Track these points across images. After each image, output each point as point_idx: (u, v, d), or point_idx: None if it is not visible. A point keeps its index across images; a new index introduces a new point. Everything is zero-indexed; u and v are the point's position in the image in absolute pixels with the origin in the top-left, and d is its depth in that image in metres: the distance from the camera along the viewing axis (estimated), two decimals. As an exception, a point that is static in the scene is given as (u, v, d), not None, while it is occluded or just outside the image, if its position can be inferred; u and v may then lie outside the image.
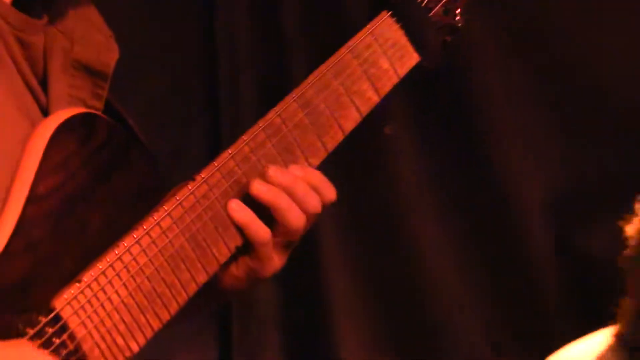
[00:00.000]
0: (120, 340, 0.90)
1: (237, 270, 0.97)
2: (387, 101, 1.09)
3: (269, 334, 2.48)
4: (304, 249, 1.28)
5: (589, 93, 2.35)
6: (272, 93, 2.46)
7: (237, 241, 0.95)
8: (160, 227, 0.91)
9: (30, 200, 0.75)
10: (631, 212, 1.62)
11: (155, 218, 0.91)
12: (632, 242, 1.65)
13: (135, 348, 0.90)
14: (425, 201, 2.43)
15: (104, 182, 0.92)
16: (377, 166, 2.40)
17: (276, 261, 0.96)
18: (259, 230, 0.93)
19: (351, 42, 1.02)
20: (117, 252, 0.89)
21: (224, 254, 0.95)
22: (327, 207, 0.96)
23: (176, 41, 2.58)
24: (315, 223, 1.02)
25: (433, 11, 1.04)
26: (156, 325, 0.92)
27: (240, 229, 0.94)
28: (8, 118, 0.88)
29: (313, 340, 2.51)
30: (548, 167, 2.36)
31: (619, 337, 1.63)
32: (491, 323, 2.30)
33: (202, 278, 0.93)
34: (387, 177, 2.42)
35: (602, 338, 1.64)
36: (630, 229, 1.66)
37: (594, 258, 2.20)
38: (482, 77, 2.38)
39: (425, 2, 1.04)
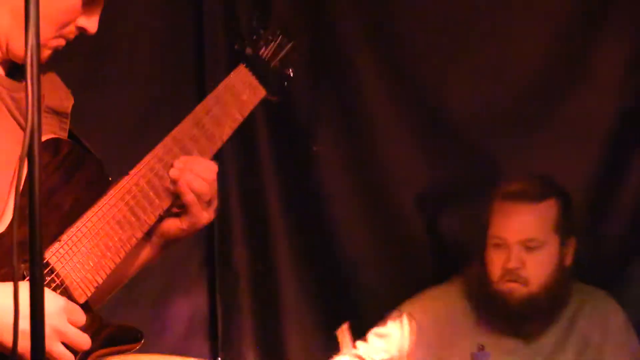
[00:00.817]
0: (89, 276, 1.41)
1: (182, 224, 1.47)
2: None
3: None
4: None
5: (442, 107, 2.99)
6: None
7: (159, 210, 1.45)
8: (109, 204, 1.43)
9: (23, 193, 1.05)
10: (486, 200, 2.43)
11: (105, 198, 1.43)
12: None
13: (99, 281, 1.40)
14: (344, 194, 3.04)
15: (70, 179, 1.46)
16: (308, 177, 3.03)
17: (205, 216, 1.46)
18: (186, 193, 1.43)
19: (225, 82, 1.60)
20: (82, 221, 1.40)
21: (151, 219, 1.45)
22: (213, 179, 1.47)
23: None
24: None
25: (272, 64, 1.64)
26: (111, 265, 1.43)
27: (169, 197, 1.45)
28: (9, 147, 1.37)
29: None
30: (420, 164, 2.97)
31: (466, 287, 2.44)
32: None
33: (139, 235, 1.44)
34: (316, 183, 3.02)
35: (451, 287, 2.45)
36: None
37: (456, 236, 2.86)
38: (364, 96, 3.03)
39: (268, 58, 1.63)
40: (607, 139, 2.73)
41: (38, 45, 1.00)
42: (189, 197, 1.48)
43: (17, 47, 1.45)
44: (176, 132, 1.55)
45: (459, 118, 2.94)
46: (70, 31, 1.53)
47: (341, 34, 2.96)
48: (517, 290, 2.38)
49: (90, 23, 1.56)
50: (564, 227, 2.43)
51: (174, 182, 1.49)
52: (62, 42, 1.54)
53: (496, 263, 2.39)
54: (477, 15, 2.92)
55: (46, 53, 1.52)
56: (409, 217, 2.99)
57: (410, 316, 2.46)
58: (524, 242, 2.37)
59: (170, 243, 1.60)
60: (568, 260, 2.42)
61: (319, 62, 2.93)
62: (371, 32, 3.04)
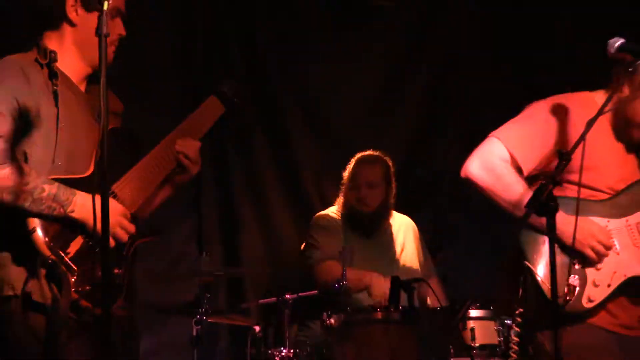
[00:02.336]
0: (135, 198, 2.45)
1: (183, 175, 2.54)
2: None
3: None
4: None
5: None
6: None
7: (171, 166, 2.50)
8: (145, 162, 2.48)
9: (102, 155, 2.03)
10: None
11: (143, 160, 2.47)
12: None
13: (141, 202, 2.46)
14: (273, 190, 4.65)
15: (123, 148, 2.47)
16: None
17: (194, 170, 2.53)
18: (183, 158, 2.51)
19: (204, 103, 2.65)
20: (131, 170, 2.45)
21: (167, 171, 2.50)
22: (197, 150, 2.53)
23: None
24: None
25: (228, 94, 2.66)
26: (148, 194, 2.48)
27: (175, 161, 2.50)
28: (89, 130, 2.43)
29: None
30: (319, 164, 4.66)
31: (343, 209, 3.98)
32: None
33: (161, 178, 2.52)
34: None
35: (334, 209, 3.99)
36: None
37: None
38: (288, 128, 4.69)
39: (228, 94, 2.69)
40: (414, 131, 4.63)
41: (105, 74, 1.98)
42: (185, 160, 2.63)
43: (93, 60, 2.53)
44: (178, 128, 2.68)
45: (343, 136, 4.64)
46: (113, 40, 2.59)
47: (277, 94, 4.63)
48: (364, 209, 4.09)
49: (120, 29, 2.63)
50: (388, 178, 4.16)
51: (178, 152, 2.63)
52: (113, 48, 2.61)
53: (354, 196, 4.12)
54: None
55: (110, 55, 2.53)
56: (310, 194, 4.69)
57: None
58: (368, 183, 4.09)
59: (179, 186, 2.78)
60: (391, 197, 4.07)
61: (262, 109, 4.61)
62: (295, 94, 4.71)
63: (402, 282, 3.60)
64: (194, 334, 3.81)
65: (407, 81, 4.88)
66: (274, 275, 4.46)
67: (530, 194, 2.68)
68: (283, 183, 4.74)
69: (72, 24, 2.61)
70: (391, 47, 4.80)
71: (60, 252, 2.51)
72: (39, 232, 2.47)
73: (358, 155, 4.26)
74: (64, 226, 2.50)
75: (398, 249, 4.25)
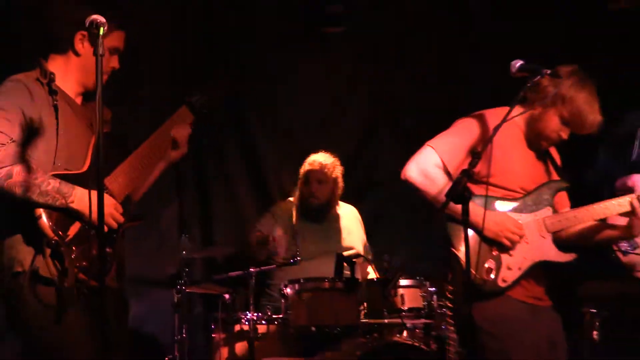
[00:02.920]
0: (123, 189, 2.78)
1: (176, 152, 2.86)
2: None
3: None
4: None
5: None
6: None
7: (167, 149, 2.86)
8: (131, 159, 2.79)
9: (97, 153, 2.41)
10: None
11: (127, 159, 2.79)
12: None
13: (129, 190, 2.79)
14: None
15: (115, 146, 2.78)
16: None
17: (185, 149, 2.86)
18: (178, 140, 2.86)
19: (178, 111, 2.91)
20: (116, 170, 2.77)
21: (162, 153, 2.85)
22: (188, 134, 2.89)
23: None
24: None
25: (196, 105, 2.96)
26: (135, 182, 2.80)
27: (169, 145, 2.84)
28: (83, 131, 2.76)
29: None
30: (280, 161, 5.14)
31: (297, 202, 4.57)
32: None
33: (158, 160, 2.87)
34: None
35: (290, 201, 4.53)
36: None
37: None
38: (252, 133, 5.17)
39: (195, 105, 2.92)
40: (357, 137, 5.23)
41: (100, 94, 2.37)
42: (180, 140, 2.96)
43: (89, 84, 2.85)
44: (155, 132, 2.99)
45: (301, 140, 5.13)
46: (107, 71, 2.86)
47: (246, 103, 5.04)
48: (314, 201, 4.62)
49: (115, 64, 2.93)
50: (336, 175, 4.67)
51: (174, 135, 2.96)
52: (106, 77, 2.89)
53: (307, 190, 4.62)
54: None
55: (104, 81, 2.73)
56: (271, 187, 5.16)
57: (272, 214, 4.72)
58: (318, 180, 4.60)
59: (172, 162, 3.07)
60: (337, 190, 4.62)
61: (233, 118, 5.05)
62: (261, 104, 5.13)
63: (345, 258, 4.11)
64: (175, 301, 4.27)
65: (351, 95, 5.41)
66: (241, 252, 4.70)
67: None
68: (249, 178, 5.24)
69: (77, 54, 2.91)
70: (339, 67, 5.31)
71: (62, 234, 2.77)
72: (44, 219, 2.73)
73: (311, 155, 4.80)
74: (64, 214, 2.78)
75: (344, 232, 4.79)
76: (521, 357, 3.15)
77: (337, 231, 4.82)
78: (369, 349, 3.94)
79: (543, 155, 3.36)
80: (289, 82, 5.26)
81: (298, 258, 4.23)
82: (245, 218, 5.19)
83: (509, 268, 3.12)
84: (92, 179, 2.80)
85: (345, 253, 4.32)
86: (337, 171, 4.75)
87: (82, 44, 2.88)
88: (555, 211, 3.28)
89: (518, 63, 3.03)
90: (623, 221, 3.33)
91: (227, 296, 4.36)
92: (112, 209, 2.88)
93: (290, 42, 5.27)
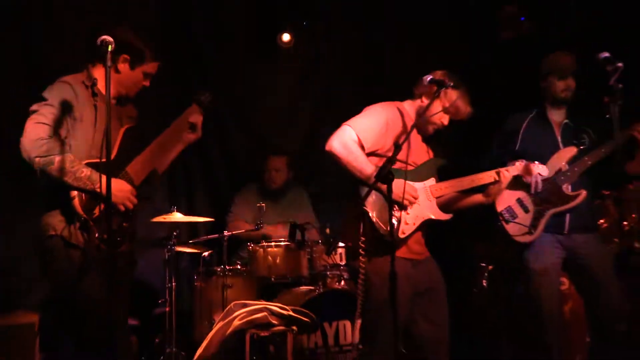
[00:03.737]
0: (140, 173, 3.12)
1: (192, 135, 3.19)
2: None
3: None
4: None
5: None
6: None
7: (185, 132, 3.20)
8: (150, 148, 3.14)
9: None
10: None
11: (147, 149, 3.15)
12: None
13: (147, 173, 3.12)
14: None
15: (136, 143, 3.15)
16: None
17: (199, 133, 3.21)
18: (194, 124, 3.21)
19: (190, 108, 3.23)
20: (136, 158, 3.10)
21: (180, 137, 3.21)
22: (201, 120, 3.20)
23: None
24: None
25: (204, 102, 3.22)
26: (152, 165, 3.14)
27: (187, 129, 3.17)
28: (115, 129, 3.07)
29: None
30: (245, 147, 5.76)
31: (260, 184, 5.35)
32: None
33: (175, 144, 3.24)
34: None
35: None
36: None
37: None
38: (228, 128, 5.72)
39: (204, 102, 3.20)
40: (307, 131, 5.77)
41: (109, 101, 2.74)
42: (197, 125, 3.18)
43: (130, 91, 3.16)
44: (173, 124, 3.23)
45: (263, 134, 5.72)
46: (139, 87, 3.20)
47: (221, 103, 5.35)
48: (273, 185, 5.23)
49: (146, 83, 3.22)
50: (289, 164, 5.28)
51: (193, 121, 3.18)
52: (136, 90, 3.21)
53: (268, 176, 5.22)
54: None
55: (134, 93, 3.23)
56: (245, 161, 5.68)
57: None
58: (275, 169, 5.21)
59: (190, 143, 3.28)
60: (291, 176, 5.30)
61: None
62: (232, 103, 5.59)
63: (297, 226, 4.70)
64: (166, 257, 4.77)
65: (302, 97, 5.98)
66: (216, 220, 5.27)
67: (372, 168, 3.31)
68: (225, 164, 5.82)
69: (117, 71, 3.19)
70: (293, 73, 5.90)
71: (90, 213, 3.04)
72: (77, 200, 3.01)
73: (270, 148, 5.53)
74: (92, 196, 3.02)
75: (295, 207, 5.46)
76: (385, 301, 3.21)
77: (290, 206, 5.48)
78: (315, 294, 4.43)
79: (427, 139, 3.65)
80: (254, 83, 5.78)
81: (261, 226, 4.82)
82: (221, 195, 5.74)
83: (407, 223, 3.39)
84: (116, 167, 3.11)
85: (297, 222, 4.84)
86: (289, 163, 5.43)
87: (123, 65, 3.21)
88: (438, 181, 3.57)
89: (429, 77, 3.46)
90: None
91: (206, 254, 4.93)
92: (129, 194, 3.13)
93: (256, 54, 5.74)
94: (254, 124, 5.90)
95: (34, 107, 3.05)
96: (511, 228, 3.97)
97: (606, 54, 3.43)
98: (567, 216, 3.92)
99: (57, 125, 3.01)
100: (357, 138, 3.39)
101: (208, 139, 5.50)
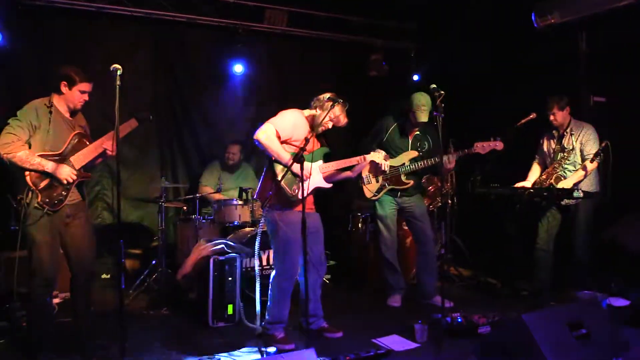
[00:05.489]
0: (80, 164, 3.72)
1: (106, 157, 3.80)
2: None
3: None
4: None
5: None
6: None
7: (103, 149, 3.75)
8: (88, 148, 3.69)
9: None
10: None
11: (86, 147, 3.73)
12: None
13: (81, 165, 3.66)
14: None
15: (80, 143, 3.71)
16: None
17: (113, 154, 3.70)
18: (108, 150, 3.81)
19: (125, 122, 3.75)
20: (78, 153, 3.65)
21: (100, 151, 3.74)
22: None
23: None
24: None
25: (140, 118, 3.80)
26: (87, 160, 3.68)
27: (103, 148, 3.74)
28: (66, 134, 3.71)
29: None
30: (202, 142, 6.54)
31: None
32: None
33: (98, 153, 3.69)
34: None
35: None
36: None
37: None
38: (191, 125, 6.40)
39: (140, 118, 3.76)
40: (253, 124, 5.93)
41: (118, 109, 3.83)
42: (108, 150, 3.64)
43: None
44: (111, 132, 3.54)
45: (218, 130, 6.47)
46: (82, 101, 3.66)
47: (189, 104, 6.20)
48: (230, 162, 5.90)
49: (86, 97, 3.65)
50: (242, 150, 6.07)
51: (105, 146, 3.57)
52: (80, 106, 3.65)
53: (227, 156, 5.80)
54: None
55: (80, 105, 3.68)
56: (209, 147, 6.40)
57: None
58: (232, 153, 5.86)
59: (105, 158, 3.76)
60: (241, 156, 5.94)
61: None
62: (197, 104, 6.38)
63: (245, 189, 5.61)
64: (158, 209, 5.51)
65: (246, 106, 6.75)
66: (191, 185, 6.28)
67: (286, 153, 3.70)
68: (195, 148, 6.60)
69: (61, 93, 3.70)
70: (248, 80, 6.73)
71: (36, 186, 3.57)
72: (28, 177, 3.58)
73: (228, 138, 6.38)
74: (40, 174, 3.58)
75: (244, 177, 6.26)
76: (293, 237, 3.81)
77: (241, 176, 6.31)
78: (254, 233, 4.98)
79: (319, 136, 4.04)
80: (216, 90, 6.61)
81: (220, 189, 5.70)
82: (194, 169, 6.56)
83: (305, 189, 3.72)
84: (62, 158, 3.65)
85: (245, 186, 5.75)
86: (241, 149, 6.24)
87: (64, 88, 3.70)
88: (324, 162, 4.01)
89: (327, 95, 3.89)
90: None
91: (185, 208, 5.95)
92: (69, 173, 3.67)
93: (217, 79, 6.53)
94: (214, 123, 6.79)
95: (9, 121, 3.67)
96: (366, 190, 4.96)
97: (434, 86, 3.97)
98: (399, 191, 4.95)
99: (20, 133, 3.63)
100: (276, 132, 3.82)
101: (185, 132, 6.57)
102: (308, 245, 3.63)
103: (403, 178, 4.98)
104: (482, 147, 4.58)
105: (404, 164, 4.90)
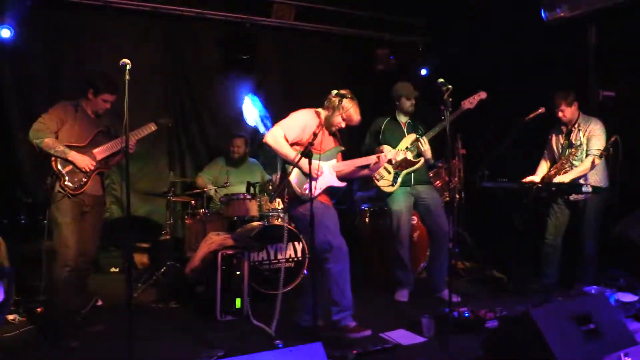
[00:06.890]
0: (101, 156, 4.12)
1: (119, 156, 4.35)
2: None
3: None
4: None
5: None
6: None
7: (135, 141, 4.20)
8: (109, 144, 4.12)
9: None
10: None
11: (107, 144, 4.16)
12: None
13: (102, 158, 4.10)
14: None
15: (104, 139, 4.16)
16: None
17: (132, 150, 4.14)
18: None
19: (146, 125, 4.22)
20: (101, 147, 4.11)
21: (118, 147, 4.13)
22: None
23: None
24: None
25: (160, 123, 4.33)
26: (109, 154, 4.11)
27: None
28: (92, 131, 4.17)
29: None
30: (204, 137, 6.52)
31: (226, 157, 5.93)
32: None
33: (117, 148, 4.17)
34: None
35: None
36: None
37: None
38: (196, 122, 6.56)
39: (161, 123, 4.26)
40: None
41: (127, 109, 4.50)
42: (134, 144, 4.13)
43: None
44: (134, 131, 4.04)
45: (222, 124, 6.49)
46: (104, 108, 4.09)
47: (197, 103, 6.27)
48: (235, 155, 5.83)
49: (108, 106, 4.07)
50: (247, 143, 6.04)
51: (147, 133, 4.09)
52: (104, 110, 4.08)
53: (232, 149, 5.82)
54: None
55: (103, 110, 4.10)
56: (215, 142, 6.49)
57: None
58: (237, 145, 5.79)
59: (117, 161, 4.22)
60: (247, 150, 5.92)
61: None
62: (205, 104, 6.50)
63: (252, 183, 5.62)
64: (166, 204, 5.69)
65: (262, 96, 6.73)
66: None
67: (294, 153, 3.67)
68: (203, 143, 6.71)
69: (88, 98, 4.11)
70: (255, 75, 6.76)
71: (61, 170, 3.94)
72: (54, 162, 3.95)
73: (233, 132, 6.35)
74: (64, 161, 3.95)
75: (251, 171, 6.16)
76: (326, 219, 3.75)
77: (247, 171, 6.21)
78: (262, 227, 5.08)
79: (331, 134, 4.01)
80: (217, 90, 6.72)
81: (227, 184, 5.71)
82: (202, 164, 6.54)
83: (316, 188, 3.77)
84: (85, 149, 4.05)
85: (251, 181, 5.73)
86: (245, 142, 6.23)
87: (90, 94, 4.13)
88: (337, 161, 3.97)
89: (334, 92, 3.86)
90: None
91: (193, 202, 5.87)
92: (89, 161, 4.06)
93: (224, 78, 6.67)
94: (222, 118, 6.85)
95: (42, 114, 4.10)
96: (382, 186, 4.94)
97: (442, 80, 3.90)
98: (412, 175, 4.94)
99: (50, 124, 4.04)
100: (284, 135, 3.84)
101: (193, 127, 6.63)
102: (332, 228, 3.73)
103: (412, 157, 4.97)
104: (469, 102, 4.65)
105: (407, 147, 4.94)
